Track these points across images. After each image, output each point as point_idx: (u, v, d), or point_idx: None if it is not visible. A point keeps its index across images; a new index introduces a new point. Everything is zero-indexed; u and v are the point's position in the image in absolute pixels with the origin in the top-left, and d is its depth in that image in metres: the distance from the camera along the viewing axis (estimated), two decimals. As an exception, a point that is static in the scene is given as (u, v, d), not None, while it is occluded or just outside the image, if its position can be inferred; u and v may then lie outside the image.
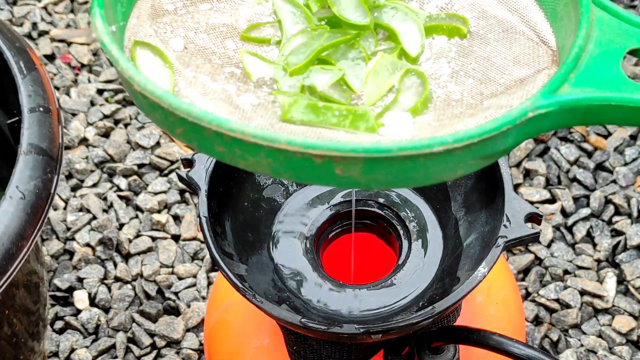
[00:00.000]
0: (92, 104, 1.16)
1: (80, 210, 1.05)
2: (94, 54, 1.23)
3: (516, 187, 1.06)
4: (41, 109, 0.62)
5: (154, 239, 1.03)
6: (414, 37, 0.44)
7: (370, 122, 0.39)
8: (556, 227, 1.02)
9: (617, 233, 1.01)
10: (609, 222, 1.02)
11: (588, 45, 0.39)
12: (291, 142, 0.34)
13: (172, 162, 1.09)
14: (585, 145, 1.08)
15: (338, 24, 0.44)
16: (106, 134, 1.13)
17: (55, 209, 1.05)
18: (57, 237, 1.03)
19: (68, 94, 1.17)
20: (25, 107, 0.61)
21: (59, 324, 0.96)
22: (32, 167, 0.57)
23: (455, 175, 0.38)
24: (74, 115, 1.15)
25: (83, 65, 1.21)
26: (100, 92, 1.18)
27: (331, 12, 0.44)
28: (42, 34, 1.24)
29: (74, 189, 1.08)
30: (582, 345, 0.93)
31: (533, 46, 0.44)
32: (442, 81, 0.43)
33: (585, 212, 1.02)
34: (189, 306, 0.97)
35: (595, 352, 0.92)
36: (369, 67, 0.42)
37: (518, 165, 1.08)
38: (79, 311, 0.97)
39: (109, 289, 0.99)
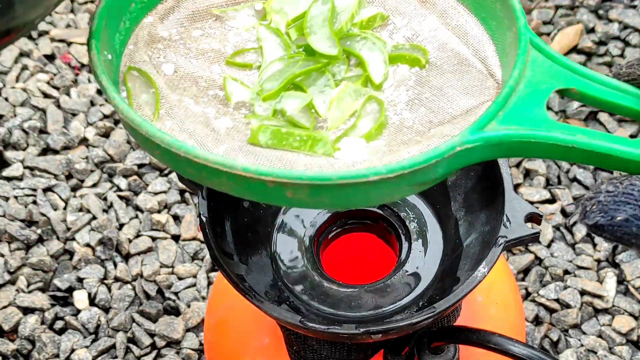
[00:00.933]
0: (92, 104, 1.16)
1: (80, 210, 1.05)
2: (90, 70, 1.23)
3: (516, 187, 1.06)
4: None
5: (154, 239, 1.03)
6: (378, 65, 0.48)
7: (327, 146, 0.44)
8: (556, 227, 1.02)
9: (617, 233, 1.01)
10: (609, 222, 1.02)
11: (519, 86, 0.43)
12: (246, 169, 0.39)
13: (172, 162, 1.09)
14: (585, 145, 1.08)
15: (313, 52, 0.48)
16: (106, 134, 1.13)
17: (55, 209, 1.05)
18: (57, 237, 1.03)
19: (68, 94, 1.17)
20: None
21: (59, 324, 0.96)
22: None
23: (392, 199, 0.42)
24: (74, 115, 1.15)
25: (83, 65, 1.21)
26: (100, 92, 1.18)
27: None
28: (42, 34, 1.24)
29: (74, 189, 1.08)
30: (582, 345, 0.93)
31: (482, 78, 0.47)
32: (399, 108, 0.46)
33: (585, 212, 1.02)
34: (189, 306, 0.97)
35: (595, 352, 0.92)
36: (333, 94, 0.47)
37: (518, 165, 1.08)
38: (79, 311, 0.97)
39: (109, 289, 0.99)
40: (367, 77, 0.48)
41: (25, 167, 1.09)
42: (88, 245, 1.02)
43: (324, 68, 0.48)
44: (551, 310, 0.95)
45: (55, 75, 1.19)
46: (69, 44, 1.23)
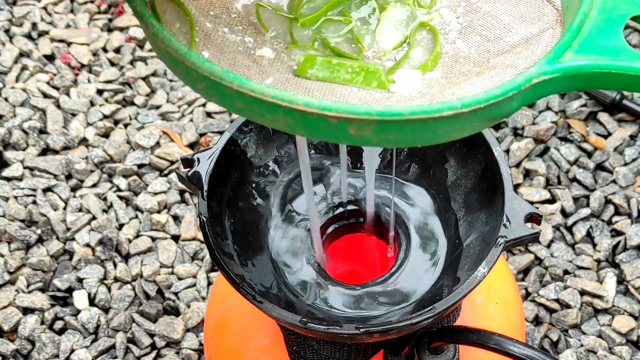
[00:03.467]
0: (92, 104, 1.16)
1: (80, 210, 1.05)
2: (94, 54, 1.23)
3: (516, 187, 1.06)
4: None
5: (153, 239, 1.03)
6: None
7: (381, 79, 0.41)
8: (556, 227, 1.02)
9: (617, 233, 1.01)
10: (609, 222, 1.02)
11: (592, 12, 0.40)
12: (308, 104, 0.35)
13: (172, 162, 1.09)
14: (585, 145, 1.08)
15: None
16: (106, 134, 1.13)
17: (55, 209, 1.05)
18: (57, 237, 1.03)
19: (68, 94, 1.17)
20: None
21: (59, 324, 0.96)
22: None
23: (461, 135, 0.39)
24: (73, 115, 1.15)
25: (83, 65, 1.21)
26: (100, 92, 1.18)
27: None
28: (42, 34, 1.24)
29: (74, 189, 1.08)
30: (582, 345, 0.93)
31: (538, 5, 0.44)
32: (451, 37, 0.44)
33: (585, 212, 1.02)
34: (188, 306, 0.97)
35: (595, 352, 0.92)
36: (382, 19, 0.43)
37: (518, 165, 1.08)
38: (78, 311, 0.97)
39: (109, 289, 0.99)
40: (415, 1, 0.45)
41: (25, 167, 1.09)
42: (88, 245, 1.02)
43: None
44: (551, 310, 0.95)
45: (55, 75, 1.19)
46: (69, 44, 1.23)
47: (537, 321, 0.95)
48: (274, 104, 0.36)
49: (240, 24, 0.44)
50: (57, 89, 1.18)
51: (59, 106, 1.16)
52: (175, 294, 0.98)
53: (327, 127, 0.37)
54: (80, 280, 0.99)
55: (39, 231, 1.03)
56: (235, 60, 0.41)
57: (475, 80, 0.41)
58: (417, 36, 0.44)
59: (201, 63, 0.37)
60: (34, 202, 1.06)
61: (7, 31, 1.25)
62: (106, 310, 0.97)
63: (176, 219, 1.05)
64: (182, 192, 1.07)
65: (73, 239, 1.02)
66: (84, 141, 1.12)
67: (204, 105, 1.16)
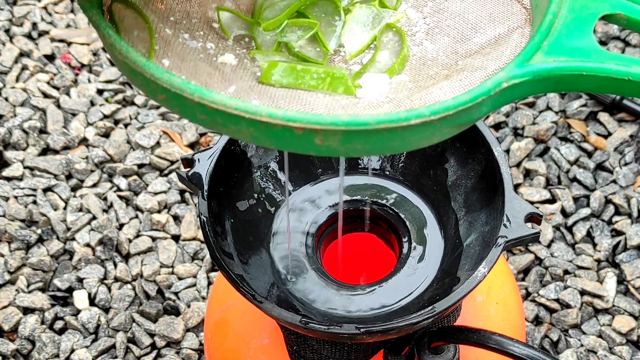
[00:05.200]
0: (92, 104, 1.16)
1: (80, 210, 1.05)
2: (94, 54, 1.23)
3: (516, 187, 1.06)
4: None
5: (154, 239, 1.03)
6: None
7: (347, 84, 0.39)
8: (556, 227, 1.02)
9: (617, 233, 1.01)
10: (609, 222, 1.02)
11: (561, 11, 0.39)
12: (272, 115, 0.34)
13: (172, 162, 1.09)
14: (585, 145, 1.08)
15: None
16: (106, 134, 1.13)
17: (55, 209, 1.05)
18: (57, 237, 1.03)
19: (68, 94, 1.17)
20: None
21: (59, 324, 0.96)
22: None
23: (430, 142, 0.38)
24: (74, 115, 1.15)
25: (83, 65, 1.21)
26: (100, 92, 1.18)
27: None
28: (42, 34, 1.24)
29: (74, 189, 1.08)
30: (582, 345, 0.93)
31: (507, 3, 0.43)
32: (418, 38, 0.43)
33: (585, 212, 1.02)
34: (189, 306, 0.97)
35: (595, 352, 0.92)
36: (347, 21, 0.42)
37: (518, 165, 1.08)
38: (78, 311, 0.97)
39: (109, 289, 0.99)
40: (380, 1, 0.43)
41: (25, 167, 1.09)
42: (88, 245, 1.02)
43: None
44: (551, 310, 0.95)
45: (55, 75, 1.19)
46: (69, 44, 1.23)
47: (537, 321, 0.95)
48: (237, 116, 0.35)
49: (202, 29, 0.42)
50: (58, 88, 1.18)
51: (59, 106, 1.16)
52: (176, 293, 0.98)
53: (293, 138, 0.35)
54: (80, 280, 0.99)
55: (39, 231, 1.03)
56: (196, 68, 0.40)
57: (444, 84, 0.39)
58: (383, 38, 0.42)
59: (160, 74, 0.35)
60: (34, 202, 1.06)
61: (7, 31, 1.25)
62: (106, 310, 0.97)
63: (176, 218, 1.05)
64: (182, 192, 1.07)
65: (73, 239, 1.02)
66: (84, 141, 1.12)
67: (204, 105, 1.16)
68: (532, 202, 1.03)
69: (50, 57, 1.22)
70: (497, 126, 1.12)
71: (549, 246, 1.00)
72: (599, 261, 0.99)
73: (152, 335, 0.95)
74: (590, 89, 0.39)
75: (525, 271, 0.99)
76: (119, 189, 1.07)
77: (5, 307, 0.97)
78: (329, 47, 0.42)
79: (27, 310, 0.97)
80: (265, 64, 0.40)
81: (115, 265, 1.01)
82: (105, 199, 1.06)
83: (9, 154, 1.10)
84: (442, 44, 0.42)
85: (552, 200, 1.04)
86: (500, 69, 0.39)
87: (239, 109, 0.34)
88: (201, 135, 1.13)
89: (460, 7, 0.44)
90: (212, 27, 0.43)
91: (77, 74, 1.20)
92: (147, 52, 0.40)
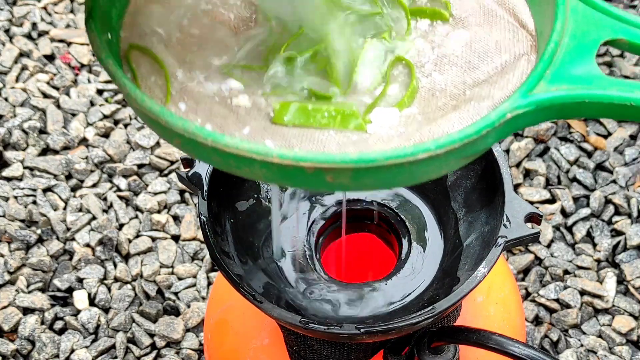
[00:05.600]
0: (92, 104, 1.16)
1: (80, 210, 1.05)
2: (94, 54, 1.22)
3: (516, 187, 1.06)
4: None
5: (153, 239, 1.03)
6: (400, 19, 0.45)
7: (358, 120, 0.40)
8: (556, 227, 1.02)
9: (617, 233, 1.01)
10: (609, 222, 1.02)
11: (563, 39, 0.39)
12: (282, 156, 0.35)
13: (172, 162, 1.09)
14: (585, 145, 1.08)
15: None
16: (106, 134, 1.13)
17: (55, 209, 1.05)
18: (57, 238, 1.03)
19: (68, 94, 1.17)
20: None
21: (59, 324, 0.96)
22: None
23: (439, 174, 0.39)
24: (73, 115, 1.15)
25: (83, 65, 1.21)
26: (100, 92, 1.18)
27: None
28: (42, 34, 1.24)
29: (74, 189, 1.08)
30: (582, 345, 0.93)
31: (513, 30, 0.43)
32: (427, 70, 0.43)
33: (585, 212, 1.02)
34: (188, 306, 0.97)
35: (595, 352, 0.92)
36: (360, 58, 0.43)
37: (518, 165, 1.08)
38: (78, 311, 0.97)
39: (109, 289, 0.99)
40: (390, 32, 0.44)
41: (25, 167, 1.09)
42: (88, 245, 1.02)
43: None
44: (551, 310, 0.95)
45: (55, 75, 1.19)
46: (69, 44, 1.23)
47: (537, 321, 0.95)
48: (249, 158, 0.36)
49: (217, 72, 0.44)
50: (57, 89, 1.18)
51: (59, 106, 1.16)
52: (175, 294, 0.98)
53: (304, 177, 0.37)
54: (80, 280, 0.99)
55: (39, 231, 1.03)
56: (212, 111, 0.41)
57: (452, 116, 0.40)
58: (393, 71, 0.43)
59: (175, 121, 0.36)
60: (34, 202, 1.06)
61: (7, 31, 1.25)
62: (106, 310, 0.97)
63: (176, 219, 1.05)
64: (182, 192, 1.07)
65: (73, 239, 1.02)
66: (84, 141, 1.12)
67: (204, 105, 1.16)
68: (532, 202, 1.03)
69: (50, 57, 1.22)
70: (497, 126, 1.12)
71: (548, 246, 1.00)
72: (598, 261, 0.99)
73: (152, 335, 0.95)
74: (594, 115, 0.39)
75: (525, 271, 0.99)
76: (119, 189, 1.07)
77: (5, 307, 0.97)
78: (342, 83, 0.43)
79: (27, 311, 0.97)
80: (278, 105, 0.41)
81: (115, 265, 1.01)
82: (105, 199, 1.06)
83: (9, 154, 1.10)
84: (451, 74, 0.43)
85: (552, 200, 1.04)
86: (505, 98, 0.39)
87: (251, 152, 0.35)
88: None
89: (467, 36, 0.44)
90: (226, 60, 0.44)
91: (77, 74, 1.20)
92: (164, 96, 0.41)
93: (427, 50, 0.44)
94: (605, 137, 1.10)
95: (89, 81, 1.19)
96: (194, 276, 0.99)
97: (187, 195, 1.07)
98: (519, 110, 0.38)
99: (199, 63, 0.44)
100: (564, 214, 1.03)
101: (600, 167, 1.07)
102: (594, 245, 1.00)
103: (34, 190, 1.07)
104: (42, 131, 1.13)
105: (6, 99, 1.16)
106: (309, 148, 0.40)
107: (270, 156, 0.35)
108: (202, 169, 0.61)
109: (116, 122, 1.15)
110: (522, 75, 0.41)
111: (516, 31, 0.43)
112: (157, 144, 1.11)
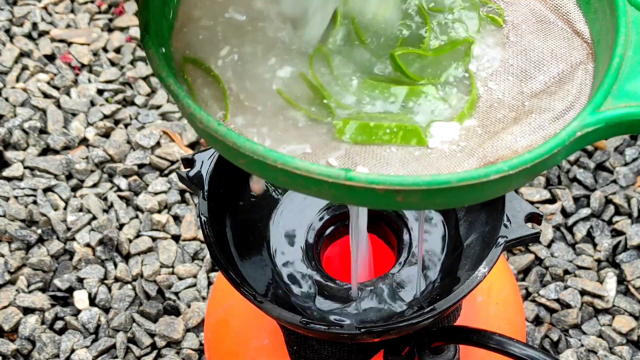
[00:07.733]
0: (92, 104, 1.16)
1: (80, 210, 1.05)
2: (94, 54, 1.23)
3: (516, 187, 1.06)
4: None
5: (154, 239, 1.03)
6: (472, 19, 0.44)
7: (419, 136, 0.40)
8: (556, 227, 1.02)
9: (617, 233, 1.01)
10: (609, 222, 1.02)
11: (627, 52, 0.39)
12: (354, 179, 0.35)
13: (172, 162, 1.09)
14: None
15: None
16: (106, 134, 1.13)
17: (55, 209, 1.05)
18: (57, 237, 1.03)
19: (68, 94, 1.17)
20: None
21: (59, 324, 0.96)
22: None
23: (506, 191, 0.40)
24: (74, 115, 1.15)
25: (83, 65, 1.21)
26: (100, 92, 1.18)
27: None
28: (42, 34, 1.24)
29: (74, 189, 1.08)
30: (582, 345, 0.93)
31: (567, 38, 0.43)
32: (483, 78, 0.42)
33: (585, 212, 1.02)
34: (189, 306, 0.97)
35: (595, 352, 0.92)
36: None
37: (518, 165, 1.08)
38: (79, 311, 0.97)
39: (109, 289, 0.99)
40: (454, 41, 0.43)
41: (25, 167, 1.09)
42: (88, 245, 1.02)
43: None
44: (551, 310, 0.95)
45: (55, 75, 1.19)
46: (69, 44, 1.23)
47: (537, 321, 0.95)
48: (320, 180, 0.36)
49: (275, 76, 0.43)
50: (58, 88, 1.18)
51: (59, 106, 1.16)
52: (176, 294, 0.98)
53: (374, 198, 0.37)
54: (80, 280, 0.99)
55: (39, 231, 1.03)
56: (270, 125, 0.41)
57: (514, 129, 0.40)
58: (449, 79, 0.43)
59: (242, 143, 0.36)
60: (35, 202, 1.06)
61: (7, 31, 1.25)
62: (106, 310, 0.97)
63: (176, 219, 1.05)
64: (182, 192, 1.07)
65: (73, 239, 1.02)
66: (84, 141, 1.12)
67: (204, 105, 1.16)
68: (532, 202, 1.03)
69: (51, 57, 1.22)
70: (497, 126, 1.12)
71: (549, 246, 1.00)
72: (599, 261, 0.99)
73: (152, 335, 0.95)
74: None
75: (526, 271, 0.99)
76: (119, 189, 1.07)
77: (5, 307, 0.97)
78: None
79: (27, 311, 0.97)
80: (340, 122, 0.41)
81: (115, 265, 1.01)
82: (105, 199, 1.06)
83: (9, 154, 1.10)
84: (507, 84, 0.42)
85: (552, 200, 1.04)
86: (571, 115, 0.38)
87: (322, 174, 0.35)
88: (201, 135, 1.13)
89: (521, 44, 0.43)
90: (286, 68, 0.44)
91: (77, 74, 1.20)
92: (220, 109, 0.41)
93: (483, 59, 0.43)
94: (606, 137, 1.09)
95: (90, 81, 1.19)
96: (195, 276, 0.99)
97: (187, 195, 1.07)
98: (588, 128, 0.37)
99: (253, 73, 0.43)
100: (565, 214, 1.03)
101: (600, 167, 1.07)
102: (594, 245, 1.00)
103: (35, 190, 1.07)
104: (43, 131, 1.13)
105: (6, 99, 1.16)
106: (372, 165, 0.39)
107: (342, 179, 0.35)
108: (203, 169, 0.61)
109: (116, 122, 1.15)
110: (581, 86, 0.41)
111: (571, 39, 0.43)
112: (158, 144, 1.11)
